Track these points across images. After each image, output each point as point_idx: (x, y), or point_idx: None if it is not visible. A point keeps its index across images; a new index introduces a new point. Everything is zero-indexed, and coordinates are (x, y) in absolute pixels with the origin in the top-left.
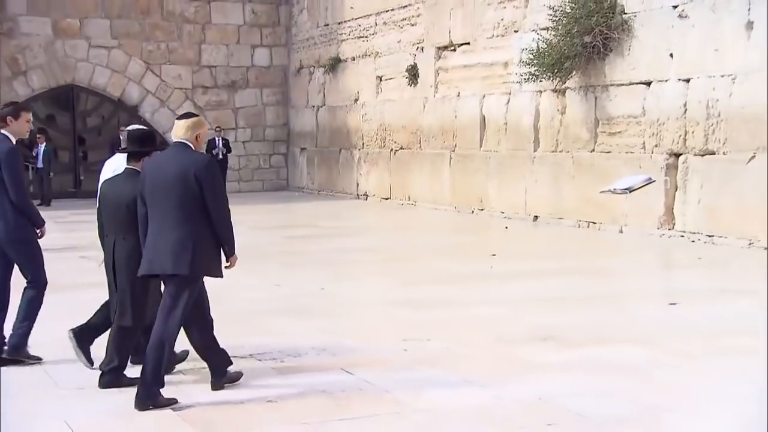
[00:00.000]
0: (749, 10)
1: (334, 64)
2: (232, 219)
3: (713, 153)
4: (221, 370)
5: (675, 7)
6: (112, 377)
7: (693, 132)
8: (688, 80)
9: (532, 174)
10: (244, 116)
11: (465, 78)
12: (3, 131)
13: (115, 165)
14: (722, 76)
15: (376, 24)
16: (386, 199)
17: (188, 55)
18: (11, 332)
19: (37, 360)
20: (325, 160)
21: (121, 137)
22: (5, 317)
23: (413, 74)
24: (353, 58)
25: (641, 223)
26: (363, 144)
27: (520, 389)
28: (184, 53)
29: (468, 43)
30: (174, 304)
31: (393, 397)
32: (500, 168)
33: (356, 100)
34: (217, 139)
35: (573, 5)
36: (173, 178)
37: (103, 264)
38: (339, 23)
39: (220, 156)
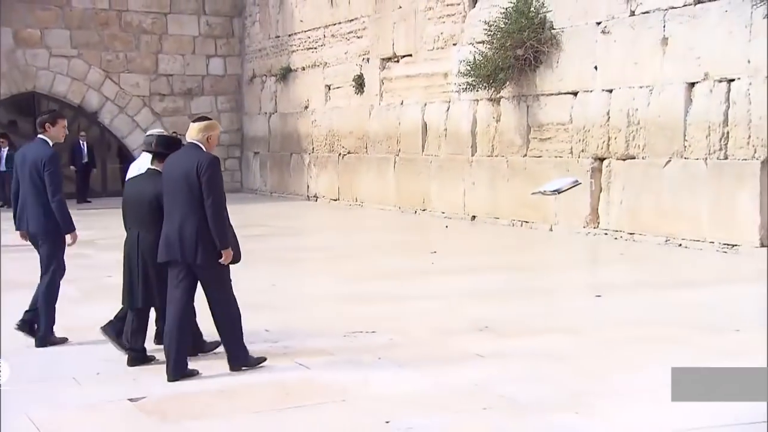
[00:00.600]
0: (664, 27)
1: (285, 74)
2: None
3: (633, 158)
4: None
5: (599, 23)
6: (141, 355)
7: (615, 138)
8: (610, 91)
9: (470, 177)
10: None
11: (408, 87)
12: (42, 136)
13: (140, 165)
14: (641, 87)
15: (324, 36)
16: (335, 200)
17: (146, 64)
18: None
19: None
20: (277, 163)
21: (81, 142)
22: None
23: (360, 83)
24: (303, 68)
25: (569, 222)
26: (313, 148)
27: (457, 377)
28: (142, 62)
29: (410, 55)
30: (213, 288)
31: (339, 386)
32: (441, 171)
33: (306, 107)
34: None
35: (506, 21)
36: (182, 175)
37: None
38: (290, 35)
39: None
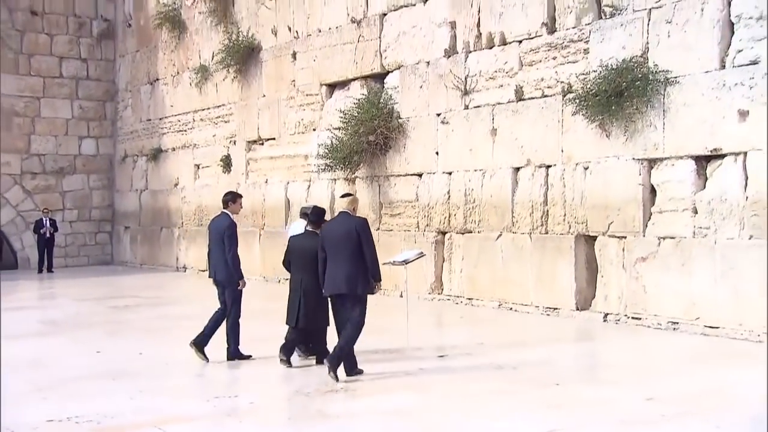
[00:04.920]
0: (493, 119)
1: (156, 154)
2: None
3: (471, 231)
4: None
5: (439, 114)
6: (324, 354)
7: (455, 214)
8: (450, 173)
9: None
10: (72, 199)
11: (272, 167)
12: (225, 211)
13: (296, 228)
14: (475, 170)
15: (194, 120)
16: (203, 271)
17: (18, 144)
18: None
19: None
20: (148, 237)
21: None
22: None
23: (227, 163)
24: (174, 149)
25: (417, 288)
26: (182, 223)
27: None
28: (14, 143)
29: (274, 138)
30: (358, 310)
31: None
32: None
33: (176, 185)
34: (44, 219)
35: (359, 110)
36: (343, 234)
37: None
38: (160, 118)
39: (48, 234)
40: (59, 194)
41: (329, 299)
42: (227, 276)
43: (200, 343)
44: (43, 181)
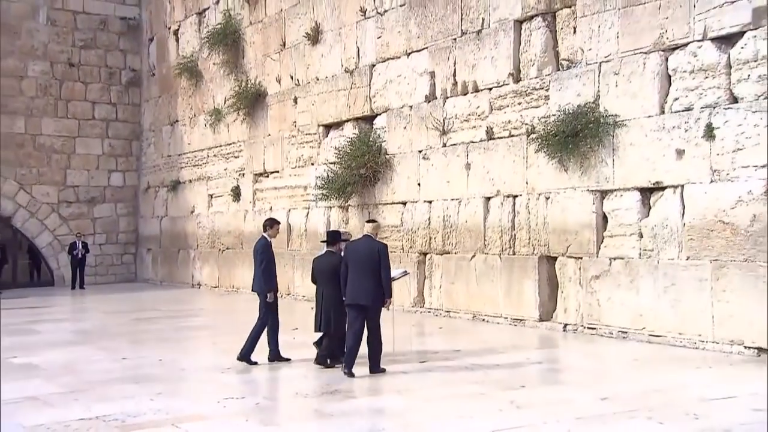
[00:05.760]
0: (467, 155)
1: (175, 185)
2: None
3: (449, 252)
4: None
5: (420, 151)
6: (324, 358)
7: (435, 238)
8: (430, 202)
9: None
10: (101, 224)
11: (276, 197)
12: (264, 234)
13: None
14: (452, 200)
15: (208, 156)
16: (215, 287)
17: (56, 177)
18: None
19: (255, 363)
20: (167, 257)
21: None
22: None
23: (236, 193)
24: (190, 181)
25: (402, 302)
26: (197, 245)
27: None
28: (52, 176)
29: (277, 171)
30: (374, 321)
31: None
32: (302, 263)
33: (193, 212)
34: (77, 242)
35: (351, 147)
36: (366, 254)
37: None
38: (179, 154)
39: (80, 255)
40: (90, 220)
41: (347, 308)
42: (260, 288)
43: (274, 354)
44: (77, 209)
